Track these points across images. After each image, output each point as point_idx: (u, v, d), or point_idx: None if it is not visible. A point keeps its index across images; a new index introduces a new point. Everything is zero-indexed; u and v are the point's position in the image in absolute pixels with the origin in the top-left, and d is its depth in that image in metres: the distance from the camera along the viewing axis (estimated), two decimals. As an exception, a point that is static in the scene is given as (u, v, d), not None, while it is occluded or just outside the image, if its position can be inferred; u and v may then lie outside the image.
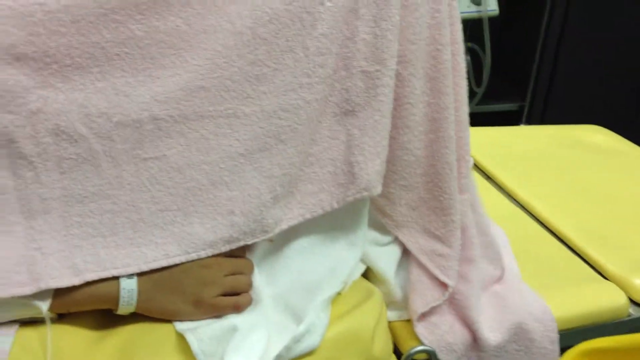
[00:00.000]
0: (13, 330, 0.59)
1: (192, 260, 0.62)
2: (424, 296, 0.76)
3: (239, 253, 0.66)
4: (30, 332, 0.58)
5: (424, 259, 0.76)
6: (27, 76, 0.56)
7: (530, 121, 2.12)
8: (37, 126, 0.57)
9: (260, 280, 0.67)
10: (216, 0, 0.62)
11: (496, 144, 1.32)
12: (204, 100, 0.61)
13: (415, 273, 0.77)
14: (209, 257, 0.63)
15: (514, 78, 2.15)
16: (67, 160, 0.58)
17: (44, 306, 0.57)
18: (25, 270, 0.56)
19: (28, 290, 0.56)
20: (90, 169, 0.59)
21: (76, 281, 0.58)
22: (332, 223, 0.71)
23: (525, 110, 2.11)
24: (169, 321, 0.62)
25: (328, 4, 0.61)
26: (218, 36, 0.60)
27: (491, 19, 1.87)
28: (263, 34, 0.60)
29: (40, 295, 0.57)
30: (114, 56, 0.58)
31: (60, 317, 0.61)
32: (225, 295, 0.64)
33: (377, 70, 0.64)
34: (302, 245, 0.70)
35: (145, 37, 0.59)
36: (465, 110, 0.76)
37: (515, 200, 1.13)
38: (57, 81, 0.57)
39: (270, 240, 0.67)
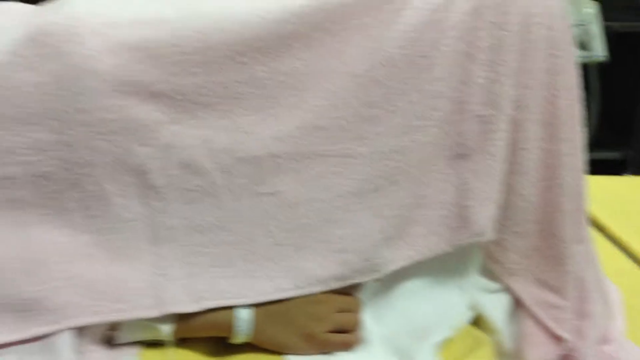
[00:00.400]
0: (136, 350, 0.62)
1: (304, 295, 0.63)
2: (538, 350, 0.73)
3: (349, 291, 0.67)
4: (152, 354, 0.61)
5: (537, 310, 0.73)
6: (161, 112, 0.61)
7: (636, 171, 2.01)
8: (167, 159, 0.61)
9: (369, 319, 0.67)
10: (334, 44, 0.65)
11: (606, 194, 1.26)
12: (320, 139, 0.63)
13: (528, 324, 0.74)
14: (319, 293, 0.64)
15: (619, 125, 2.06)
16: (191, 192, 0.62)
17: (166, 330, 0.60)
18: (151, 295, 0.60)
19: (153, 313, 0.59)
20: (211, 201, 0.62)
21: (196, 308, 0.61)
22: (442, 267, 0.70)
23: (630, 159, 2.01)
24: (280, 353, 0.64)
25: (444, 48, 0.62)
26: (335, 78, 0.63)
27: (597, 64, 1.82)
28: (379, 76, 0.62)
29: (163, 319, 0.60)
30: (238, 95, 0.63)
31: (180, 342, 0.64)
32: (334, 332, 0.64)
33: (492, 115, 0.65)
34: (411, 287, 0.70)
35: (267, 77, 0.63)
36: (581, 157, 0.74)
37: (629, 253, 1.07)
38: (186, 117, 0.62)
39: (380, 280, 0.68)
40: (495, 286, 0.76)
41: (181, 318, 0.61)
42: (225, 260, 0.63)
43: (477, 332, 0.73)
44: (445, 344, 0.68)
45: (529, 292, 0.74)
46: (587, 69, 1.82)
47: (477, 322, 0.75)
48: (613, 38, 1.87)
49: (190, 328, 0.62)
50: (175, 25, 0.67)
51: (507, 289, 0.76)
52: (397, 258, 0.66)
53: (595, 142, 1.95)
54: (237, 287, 0.62)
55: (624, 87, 2.07)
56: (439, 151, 0.66)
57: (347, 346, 0.65)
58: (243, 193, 0.63)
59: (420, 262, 0.67)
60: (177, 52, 0.63)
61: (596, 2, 1.80)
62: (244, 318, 0.62)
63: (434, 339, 0.66)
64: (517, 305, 0.76)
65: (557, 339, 0.73)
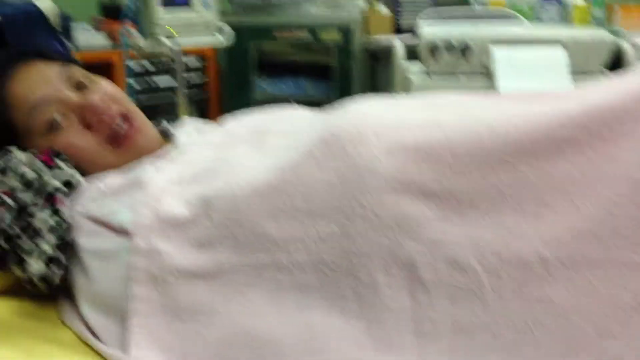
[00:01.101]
0: None
1: None
2: None
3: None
4: None
5: None
6: (430, 209, 0.64)
7: None
8: (435, 255, 0.64)
9: None
10: (608, 149, 0.63)
11: None
12: (593, 246, 0.61)
13: None
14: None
15: None
16: (457, 289, 0.63)
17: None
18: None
19: None
20: (476, 301, 0.63)
21: None
22: None
23: None
24: None
25: None
26: (611, 184, 0.61)
27: None
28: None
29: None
30: (507, 197, 0.64)
31: None
32: None
33: None
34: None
35: (538, 180, 0.63)
36: None
37: None
38: (454, 215, 0.64)
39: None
40: None
41: None
42: None
43: None
44: None
45: None
46: None
47: None
48: None
49: None
50: (449, 128, 0.71)
51: None
52: None
53: None
54: None
55: None
56: None
57: None
58: (511, 297, 0.62)
59: None
60: (450, 154, 0.66)
61: None
62: None
63: None
64: None
65: None
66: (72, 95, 0.84)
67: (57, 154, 0.80)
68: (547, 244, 0.61)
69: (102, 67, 2.60)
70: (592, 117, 0.67)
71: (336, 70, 2.83)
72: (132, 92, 2.31)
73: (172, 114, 2.89)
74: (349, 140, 0.72)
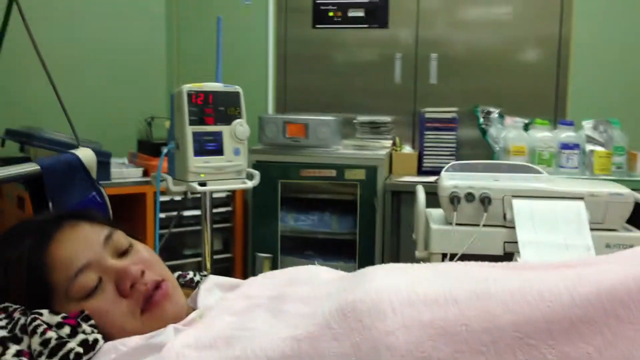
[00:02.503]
0: None
1: None
2: None
3: None
4: None
5: None
6: None
7: None
8: None
9: None
10: (627, 331, 0.64)
11: None
12: None
13: None
14: None
15: None
16: None
17: None
18: None
19: None
20: None
21: None
22: None
23: None
24: None
25: None
26: None
27: None
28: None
29: None
30: None
31: None
32: None
33: None
34: None
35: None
36: None
37: None
38: None
39: None
40: None
41: None
42: None
43: None
44: None
45: None
46: None
47: None
48: None
49: None
50: (465, 305, 0.72)
51: None
52: None
53: None
54: None
55: None
56: None
57: None
58: None
59: None
60: (466, 331, 0.67)
61: None
62: None
63: None
64: None
65: None
66: (113, 263, 0.87)
67: (86, 318, 0.82)
68: None
69: (134, 198, 2.70)
70: (607, 297, 0.68)
71: (361, 206, 2.89)
72: (160, 221, 2.38)
73: (197, 244, 2.95)
74: (367, 314, 0.73)
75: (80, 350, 0.78)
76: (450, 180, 1.69)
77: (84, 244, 0.87)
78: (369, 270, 0.90)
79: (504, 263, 0.91)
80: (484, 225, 1.64)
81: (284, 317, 0.81)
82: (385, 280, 0.80)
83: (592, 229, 1.58)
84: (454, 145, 3.08)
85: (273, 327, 0.79)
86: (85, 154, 1.26)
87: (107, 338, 0.82)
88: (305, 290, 0.88)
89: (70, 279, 0.84)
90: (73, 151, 1.27)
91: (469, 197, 1.64)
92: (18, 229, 0.92)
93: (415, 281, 0.81)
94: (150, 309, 0.86)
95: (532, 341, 0.65)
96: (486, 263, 0.92)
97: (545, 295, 0.71)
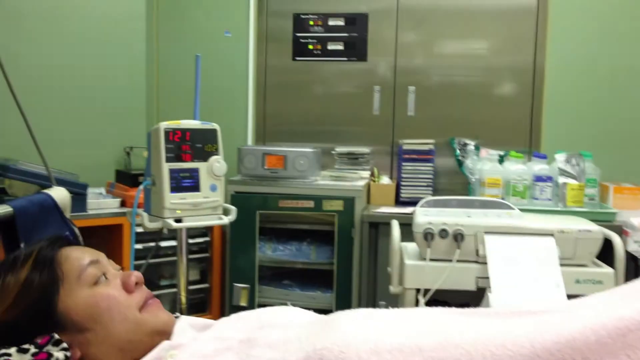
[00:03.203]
0: None
1: None
2: None
3: None
4: None
5: None
6: None
7: None
8: None
9: None
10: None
11: None
12: None
13: None
14: None
15: None
16: None
17: None
18: None
19: None
20: None
21: None
22: None
23: None
24: None
25: None
26: None
27: None
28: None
29: None
30: None
31: None
32: None
33: None
34: None
35: None
36: None
37: None
38: None
39: None
40: None
41: None
42: None
43: None
44: None
45: None
46: None
47: None
48: None
49: None
50: (429, 354, 0.74)
51: None
52: None
53: None
54: None
55: None
56: None
57: None
58: None
59: None
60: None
61: None
62: None
63: None
64: None
65: None
66: (115, 272, 1.00)
67: (57, 343, 0.87)
68: None
69: (111, 229, 2.69)
70: (568, 349, 0.70)
71: (339, 237, 2.91)
72: (137, 252, 2.37)
73: (174, 274, 2.93)
74: None
75: None
76: (425, 216, 1.72)
77: (90, 251, 1.01)
78: (338, 315, 0.92)
79: (471, 310, 0.94)
80: (458, 261, 1.66)
81: None
82: (353, 329, 0.82)
83: (562, 265, 1.61)
84: (431, 176, 3.12)
85: None
86: (59, 194, 1.26)
87: (105, 327, 0.90)
88: (275, 334, 0.90)
89: (83, 267, 0.95)
90: (47, 191, 1.27)
91: (443, 233, 1.67)
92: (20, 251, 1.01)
93: (382, 329, 0.83)
94: (147, 309, 0.97)
95: None
96: (453, 309, 0.94)
97: (508, 346, 0.73)
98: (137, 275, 0.97)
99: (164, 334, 0.94)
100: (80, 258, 0.96)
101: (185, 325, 0.99)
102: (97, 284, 0.94)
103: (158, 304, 0.98)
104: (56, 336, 0.88)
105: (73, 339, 0.89)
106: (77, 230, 1.29)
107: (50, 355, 0.84)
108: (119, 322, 0.91)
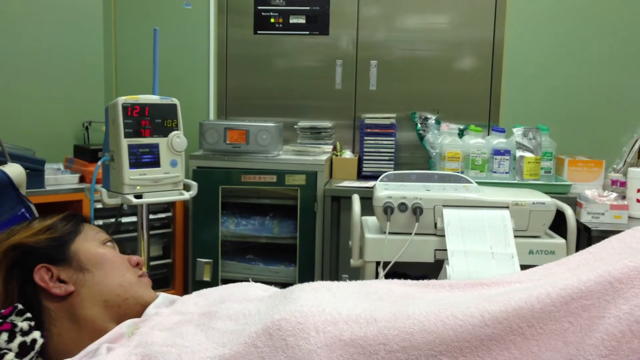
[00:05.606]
0: None
1: None
2: None
3: None
4: None
5: None
6: None
7: None
8: None
9: None
10: (531, 347, 0.69)
11: None
12: None
13: None
14: None
15: None
16: None
17: None
18: None
19: None
20: None
21: None
22: None
23: None
24: None
25: None
26: None
27: None
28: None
29: None
30: None
31: None
32: None
33: None
34: None
35: None
36: None
37: None
38: None
39: None
40: None
41: None
42: None
43: None
44: None
45: None
46: None
47: None
48: None
49: None
50: (383, 324, 0.77)
51: None
52: None
53: None
54: None
55: None
56: None
57: None
58: None
59: None
60: (384, 350, 0.72)
61: None
62: None
63: None
64: None
65: None
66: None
67: (21, 312, 0.90)
68: None
69: (70, 205, 2.66)
70: (515, 317, 0.73)
71: (301, 211, 2.92)
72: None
73: (136, 250, 2.92)
74: (291, 334, 0.77)
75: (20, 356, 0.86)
76: (385, 190, 1.74)
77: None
78: (297, 288, 0.94)
79: (426, 281, 0.96)
80: (417, 234, 1.70)
81: (213, 334, 0.84)
82: (311, 300, 0.84)
83: (516, 236, 1.65)
84: (392, 150, 3.15)
85: (201, 344, 0.81)
86: (14, 171, 1.24)
87: (104, 274, 1.01)
88: (236, 307, 0.91)
89: (97, 230, 1.11)
90: (1, 167, 1.25)
91: (402, 207, 1.70)
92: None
93: (339, 301, 0.85)
94: (145, 277, 1.10)
95: (445, 358, 0.70)
96: (409, 281, 0.97)
97: (459, 316, 0.76)
98: (139, 258, 1.10)
99: (144, 307, 1.01)
100: (99, 230, 1.11)
101: (160, 302, 1.02)
102: (104, 245, 1.07)
103: (150, 283, 1.09)
104: (19, 306, 0.91)
105: (72, 275, 0.99)
106: (33, 207, 1.27)
107: (14, 325, 0.86)
108: (116, 277, 1.01)
